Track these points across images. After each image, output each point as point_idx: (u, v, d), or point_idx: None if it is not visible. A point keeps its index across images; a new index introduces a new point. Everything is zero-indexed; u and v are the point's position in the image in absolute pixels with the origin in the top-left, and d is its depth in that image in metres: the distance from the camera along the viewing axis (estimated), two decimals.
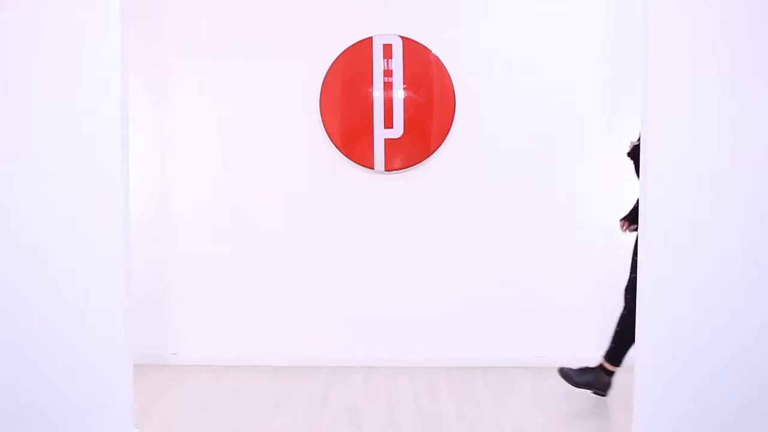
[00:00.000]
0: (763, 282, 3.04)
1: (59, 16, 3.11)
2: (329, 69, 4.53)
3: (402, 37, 4.51)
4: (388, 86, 4.55)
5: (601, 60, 4.54)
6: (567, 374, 4.02)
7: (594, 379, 4.00)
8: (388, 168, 4.58)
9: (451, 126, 4.56)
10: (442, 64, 4.53)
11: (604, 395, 4.02)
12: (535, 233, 4.60)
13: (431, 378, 4.41)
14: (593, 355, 4.57)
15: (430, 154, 4.56)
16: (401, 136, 4.56)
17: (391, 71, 4.54)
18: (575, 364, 4.39)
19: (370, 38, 4.53)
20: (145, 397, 3.99)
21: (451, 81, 4.53)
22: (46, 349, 3.19)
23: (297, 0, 4.58)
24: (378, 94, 4.56)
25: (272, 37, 4.57)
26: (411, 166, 4.59)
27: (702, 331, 3.08)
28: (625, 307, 3.92)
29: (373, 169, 4.58)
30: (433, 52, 4.53)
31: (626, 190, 4.43)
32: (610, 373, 4.00)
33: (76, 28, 3.12)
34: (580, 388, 4.02)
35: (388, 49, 4.53)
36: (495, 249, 4.61)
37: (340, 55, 4.53)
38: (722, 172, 3.04)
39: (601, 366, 4.00)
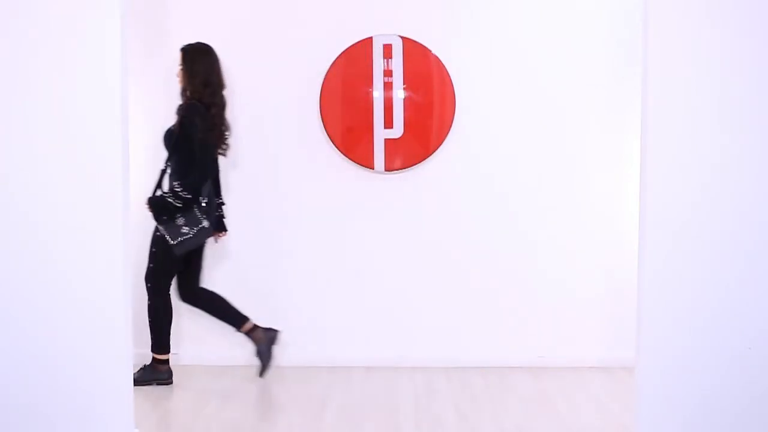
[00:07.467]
0: (765, 282, 3.04)
1: (60, 15, 3.11)
2: (329, 69, 4.53)
3: (402, 37, 4.50)
4: (388, 86, 4.55)
5: (602, 59, 4.54)
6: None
7: (153, 374, 4.25)
8: (388, 168, 4.58)
9: (451, 126, 4.56)
10: (442, 64, 4.53)
11: (170, 382, 4.28)
12: (535, 233, 4.60)
13: (431, 378, 4.41)
14: (593, 355, 4.59)
15: (430, 154, 4.56)
16: (401, 136, 4.56)
17: (391, 71, 4.54)
18: (573, 364, 4.42)
19: (370, 38, 4.53)
20: (145, 397, 3.99)
21: (451, 81, 4.53)
22: (45, 348, 3.18)
23: (297, 0, 4.58)
24: (378, 94, 4.55)
25: (272, 37, 4.57)
26: (411, 166, 4.59)
27: (703, 331, 3.08)
28: (149, 298, 4.25)
29: (373, 169, 4.58)
30: (433, 52, 4.53)
31: (626, 192, 4.44)
32: (165, 362, 4.29)
33: (76, 28, 3.11)
34: (143, 385, 4.14)
35: (388, 49, 4.53)
36: (495, 249, 4.61)
37: (340, 55, 4.53)
38: (723, 172, 3.03)
39: (153, 360, 4.27)
